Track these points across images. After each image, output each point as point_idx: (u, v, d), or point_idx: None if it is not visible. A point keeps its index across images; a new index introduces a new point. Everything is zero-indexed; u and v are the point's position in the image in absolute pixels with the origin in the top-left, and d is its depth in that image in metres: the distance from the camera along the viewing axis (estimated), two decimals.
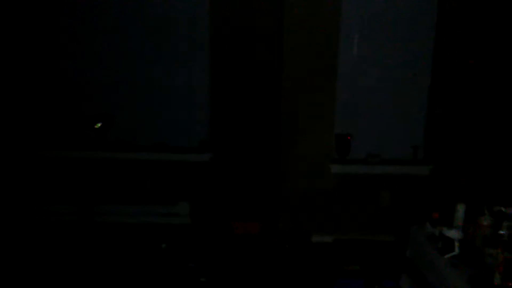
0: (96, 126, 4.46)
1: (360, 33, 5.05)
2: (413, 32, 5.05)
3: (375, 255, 4.80)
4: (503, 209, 3.10)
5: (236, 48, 5.17)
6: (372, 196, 5.16)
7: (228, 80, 5.24)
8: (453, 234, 3.01)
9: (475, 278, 2.65)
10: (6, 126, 5.26)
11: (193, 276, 4.28)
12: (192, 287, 4.14)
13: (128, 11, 5.19)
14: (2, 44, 5.14)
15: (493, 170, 4.76)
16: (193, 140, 5.39)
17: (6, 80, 5.21)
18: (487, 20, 4.78)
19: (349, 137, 5.09)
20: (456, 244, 2.93)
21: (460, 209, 3.25)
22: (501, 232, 3.05)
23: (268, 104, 5.25)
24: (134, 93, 5.33)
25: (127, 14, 5.19)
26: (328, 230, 5.18)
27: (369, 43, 5.05)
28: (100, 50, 5.25)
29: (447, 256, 2.94)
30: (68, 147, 5.33)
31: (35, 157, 5.31)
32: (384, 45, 5.04)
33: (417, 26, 5.05)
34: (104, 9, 5.18)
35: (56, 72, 5.29)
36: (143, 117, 5.38)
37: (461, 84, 4.94)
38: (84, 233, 4.90)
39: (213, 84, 5.26)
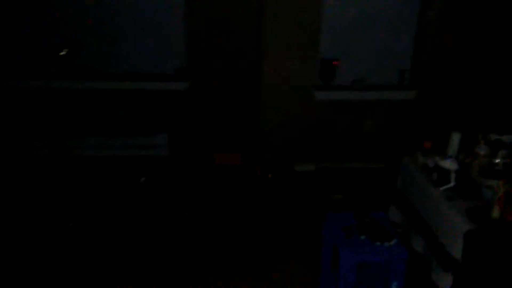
0: (61, 53, 4.13)
1: None
2: None
3: (361, 184, 4.74)
4: (500, 137, 2.97)
5: None
6: (357, 123, 5.02)
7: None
8: (449, 165, 2.88)
9: (473, 211, 2.55)
10: None
11: (175, 210, 4.15)
12: (175, 222, 4.01)
13: None
14: None
15: (485, 97, 4.62)
16: (169, 68, 5.05)
17: None
18: None
19: (334, 62, 4.82)
20: (452, 175, 2.81)
21: (455, 138, 3.11)
22: (496, 160, 2.95)
23: (248, 26, 4.89)
24: (103, 17, 4.85)
25: None
26: (313, 159, 5.06)
27: None
28: None
29: (442, 188, 2.83)
30: (32, 76, 4.92)
31: None
32: None
33: None
34: None
35: None
36: (113, 43, 4.96)
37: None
38: (58, 167, 4.66)
39: (189, 5, 4.83)
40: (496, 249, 2.36)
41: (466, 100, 4.83)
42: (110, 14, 4.86)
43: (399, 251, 2.82)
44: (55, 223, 3.86)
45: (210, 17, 4.87)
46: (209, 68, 5.02)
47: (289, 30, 4.64)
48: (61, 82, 4.89)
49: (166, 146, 5.10)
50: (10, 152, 4.89)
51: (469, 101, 4.79)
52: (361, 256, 2.81)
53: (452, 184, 2.80)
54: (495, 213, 2.48)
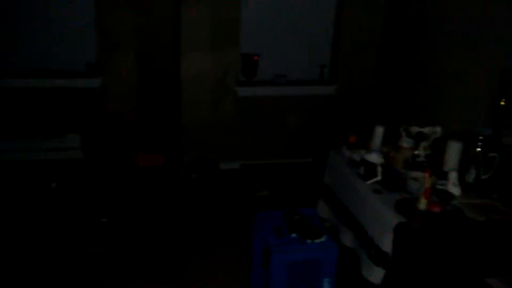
0: None
1: None
2: None
3: (287, 180, 4.70)
4: (422, 129, 3.03)
5: None
6: (282, 119, 4.97)
7: None
8: (375, 158, 2.89)
9: (401, 204, 2.57)
10: None
11: (91, 217, 3.83)
12: (92, 229, 3.70)
13: None
14: None
15: (405, 90, 4.76)
16: (79, 64, 4.69)
17: None
18: None
19: (256, 57, 4.74)
20: (379, 169, 2.82)
21: (379, 131, 3.14)
22: (417, 152, 3.01)
23: (165, 20, 4.67)
24: (8, 12, 4.43)
25: None
26: (239, 156, 4.95)
27: None
28: None
29: (369, 182, 2.83)
30: None
31: None
32: None
33: None
34: None
35: None
36: (19, 38, 4.54)
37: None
38: None
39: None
40: (424, 241, 2.38)
41: (386, 94, 4.96)
42: (15, 9, 4.42)
43: (330, 248, 2.78)
44: None
45: (123, 9, 4.58)
46: (123, 64, 4.73)
47: (208, 25, 4.48)
48: None
49: (79, 148, 4.74)
50: None
51: (389, 95, 4.92)
52: (293, 255, 2.73)
53: (379, 177, 2.81)
54: (422, 205, 2.51)
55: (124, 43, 4.68)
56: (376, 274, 2.58)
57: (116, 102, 4.81)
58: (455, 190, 2.64)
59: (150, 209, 4.04)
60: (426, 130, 3.04)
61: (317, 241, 2.81)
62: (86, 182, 4.33)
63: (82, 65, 4.71)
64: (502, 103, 2.91)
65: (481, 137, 2.72)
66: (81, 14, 4.60)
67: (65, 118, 4.76)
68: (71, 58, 4.70)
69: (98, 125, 4.77)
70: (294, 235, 2.86)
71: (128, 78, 4.78)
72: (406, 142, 2.96)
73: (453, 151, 2.79)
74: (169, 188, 4.43)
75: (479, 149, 2.69)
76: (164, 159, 4.79)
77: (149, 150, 4.77)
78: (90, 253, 3.39)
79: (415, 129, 3.06)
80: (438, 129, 3.05)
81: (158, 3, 4.67)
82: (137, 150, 4.77)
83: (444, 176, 2.72)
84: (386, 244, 2.49)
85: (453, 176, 2.66)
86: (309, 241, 2.81)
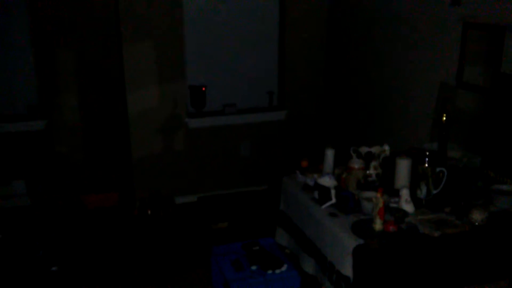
0: None
1: None
2: None
3: (245, 209, 4.65)
4: (371, 149, 3.07)
5: None
6: (234, 148, 4.95)
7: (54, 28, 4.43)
8: (327, 181, 2.90)
9: (357, 226, 2.57)
10: None
11: (42, 266, 3.64)
12: (43, 279, 3.51)
13: None
14: None
15: (351, 112, 4.85)
16: (19, 107, 4.52)
17: None
18: None
19: (203, 88, 4.72)
20: (332, 192, 2.82)
21: (330, 154, 3.16)
22: (368, 172, 3.04)
23: (109, 54, 4.59)
24: None
25: None
26: (194, 189, 4.86)
27: None
28: None
29: (324, 206, 2.82)
30: None
31: None
32: None
33: None
34: None
35: None
36: None
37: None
38: None
39: (36, 36, 4.39)
40: (383, 261, 2.38)
41: (335, 116, 5.04)
42: None
43: (291, 277, 2.75)
44: None
45: (62, 50, 4.49)
46: (66, 104, 4.60)
47: (152, 59, 4.43)
48: None
49: (26, 194, 4.52)
50: None
51: (337, 117, 5.01)
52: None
53: (333, 200, 2.81)
54: (378, 225, 2.52)
55: (65, 83, 4.57)
56: None
57: (62, 144, 4.66)
58: (408, 207, 2.68)
59: (104, 252, 3.87)
60: (374, 149, 3.09)
61: (278, 271, 2.78)
62: (35, 229, 4.13)
63: (22, 108, 4.54)
64: (443, 118, 3.00)
65: (427, 153, 2.78)
66: (19, 56, 4.45)
67: (9, 164, 4.55)
68: (11, 101, 4.52)
69: (44, 169, 4.58)
70: (254, 267, 2.81)
71: (72, 118, 4.65)
72: (356, 163, 2.98)
73: (403, 169, 2.83)
74: (123, 228, 4.28)
75: (426, 165, 2.74)
76: (118, 198, 4.64)
77: (101, 190, 4.62)
78: None
79: (364, 149, 3.10)
80: (386, 147, 3.11)
81: (101, 41, 4.59)
82: (88, 192, 4.60)
83: (397, 193, 2.75)
84: (347, 268, 2.48)
85: (404, 193, 2.69)
86: (269, 272, 2.77)
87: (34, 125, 4.52)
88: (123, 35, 4.29)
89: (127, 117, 4.51)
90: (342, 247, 2.53)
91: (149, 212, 4.50)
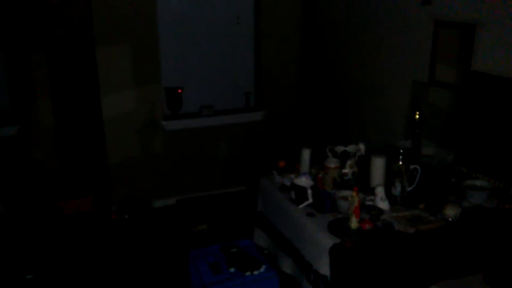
0: None
1: None
2: None
3: (224, 210, 4.64)
4: (346, 148, 3.09)
5: None
6: (211, 149, 4.93)
7: (26, 31, 4.34)
8: (304, 181, 2.90)
9: (334, 225, 2.58)
10: None
11: (17, 274, 3.56)
12: (17, 287, 3.44)
13: None
14: None
15: (326, 111, 4.88)
16: None
17: None
18: None
19: (179, 90, 4.69)
20: (309, 191, 2.83)
21: (306, 154, 3.17)
22: (344, 170, 3.06)
23: (82, 56, 4.52)
24: None
25: None
26: (172, 192, 4.82)
27: None
28: None
29: (301, 206, 2.83)
30: None
31: None
32: None
33: None
34: None
35: None
36: None
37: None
38: None
39: (6, 39, 4.30)
40: (359, 260, 2.40)
41: (311, 115, 5.06)
42: None
43: (270, 278, 2.75)
44: None
45: (35, 55, 4.41)
46: (40, 109, 4.52)
47: (126, 62, 4.38)
48: None
49: None
50: None
51: (313, 116, 5.03)
52: None
53: (310, 200, 2.82)
54: (353, 223, 2.54)
55: (38, 87, 4.49)
56: None
57: (36, 149, 4.57)
58: (384, 205, 2.70)
59: (80, 258, 3.82)
60: (350, 148, 3.11)
61: (256, 272, 2.77)
62: (9, 238, 4.03)
63: None
64: (416, 116, 3.04)
65: (401, 150, 2.81)
66: None
67: None
68: None
69: (17, 175, 4.49)
70: (232, 269, 2.80)
71: (46, 123, 4.56)
72: (332, 162, 3.00)
73: (378, 167, 2.86)
74: (100, 233, 4.22)
75: (401, 163, 2.77)
76: (94, 203, 4.57)
77: (77, 195, 4.54)
78: None
79: (339, 149, 3.12)
80: (362, 146, 3.13)
81: (75, 43, 4.52)
82: (64, 197, 4.53)
83: (372, 192, 2.77)
84: (324, 267, 2.49)
85: (380, 191, 2.72)
86: (248, 273, 2.76)
87: (5, 131, 4.43)
88: (96, 38, 4.23)
89: (102, 120, 4.45)
90: (319, 246, 2.54)
91: (126, 216, 4.45)
